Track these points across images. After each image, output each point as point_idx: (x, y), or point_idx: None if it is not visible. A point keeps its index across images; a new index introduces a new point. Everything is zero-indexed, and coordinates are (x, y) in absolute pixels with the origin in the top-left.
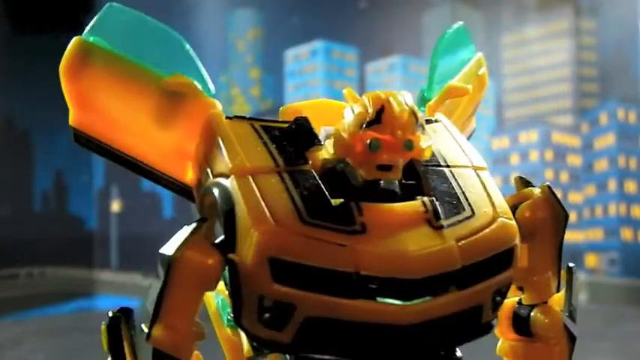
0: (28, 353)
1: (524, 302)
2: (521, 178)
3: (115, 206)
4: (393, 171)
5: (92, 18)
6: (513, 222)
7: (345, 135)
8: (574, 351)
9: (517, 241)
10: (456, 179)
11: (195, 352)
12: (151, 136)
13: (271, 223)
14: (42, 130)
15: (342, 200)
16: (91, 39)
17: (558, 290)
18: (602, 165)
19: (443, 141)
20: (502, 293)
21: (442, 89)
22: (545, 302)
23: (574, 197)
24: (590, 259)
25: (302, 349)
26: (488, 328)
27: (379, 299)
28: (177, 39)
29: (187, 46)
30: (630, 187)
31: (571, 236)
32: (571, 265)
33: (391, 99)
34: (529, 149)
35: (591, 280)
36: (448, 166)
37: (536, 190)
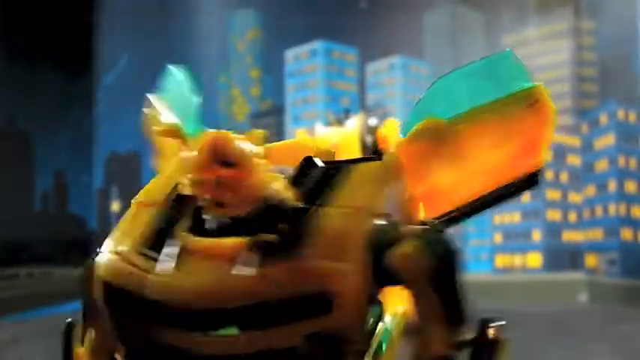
0: (28, 353)
1: None
2: None
3: (115, 206)
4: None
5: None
6: (333, 265)
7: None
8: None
9: (335, 286)
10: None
11: None
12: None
13: (111, 251)
14: (42, 130)
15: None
16: None
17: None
18: (602, 165)
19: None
20: (335, 340)
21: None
22: None
23: (574, 197)
24: (590, 259)
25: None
26: None
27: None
28: None
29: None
30: (630, 187)
31: (571, 236)
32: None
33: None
34: None
35: (591, 280)
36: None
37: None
